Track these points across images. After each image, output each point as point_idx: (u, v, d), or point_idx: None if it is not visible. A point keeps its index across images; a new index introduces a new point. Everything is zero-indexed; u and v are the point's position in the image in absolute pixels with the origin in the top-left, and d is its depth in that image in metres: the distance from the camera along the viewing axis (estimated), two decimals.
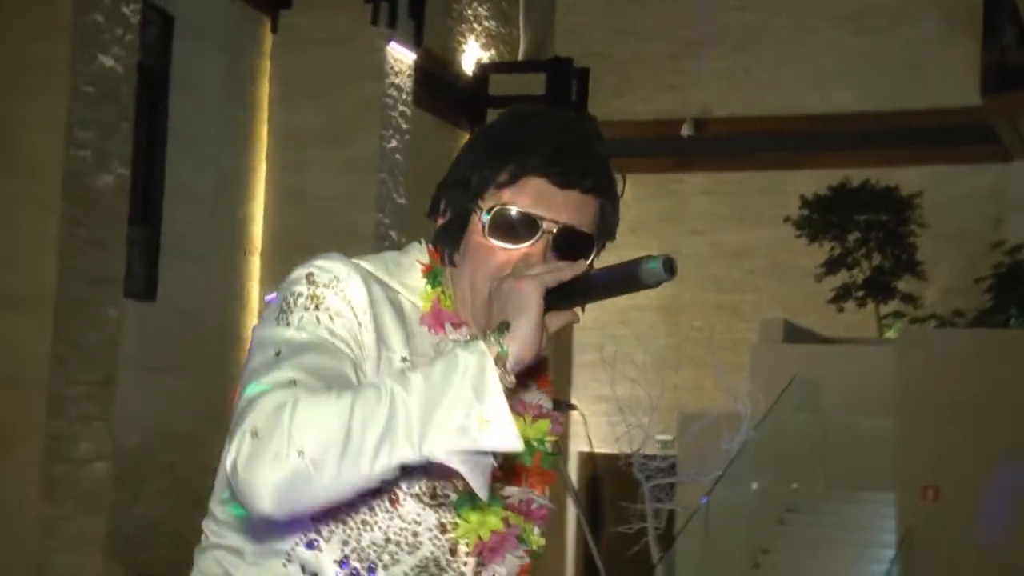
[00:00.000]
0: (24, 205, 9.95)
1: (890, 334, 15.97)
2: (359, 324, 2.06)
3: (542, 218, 2.10)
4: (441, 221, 2.20)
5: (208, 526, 2.21)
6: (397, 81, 14.56)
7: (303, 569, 2.08)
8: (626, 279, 1.97)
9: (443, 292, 2.20)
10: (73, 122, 10.13)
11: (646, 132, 18.61)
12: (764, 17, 18.80)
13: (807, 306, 16.18)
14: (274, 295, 2.16)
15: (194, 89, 13.11)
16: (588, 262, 2.10)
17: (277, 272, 13.46)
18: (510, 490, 2.21)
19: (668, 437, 15.56)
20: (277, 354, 1.98)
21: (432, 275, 2.20)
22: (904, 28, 18.15)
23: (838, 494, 13.11)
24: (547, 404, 2.31)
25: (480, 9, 17.73)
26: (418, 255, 2.23)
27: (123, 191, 10.64)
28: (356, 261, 2.16)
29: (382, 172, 14.21)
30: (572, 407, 2.72)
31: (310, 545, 2.08)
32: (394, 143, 14.40)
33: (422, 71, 15.10)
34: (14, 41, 10.01)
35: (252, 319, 13.70)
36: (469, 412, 1.84)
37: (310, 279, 2.09)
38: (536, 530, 2.27)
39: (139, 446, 11.44)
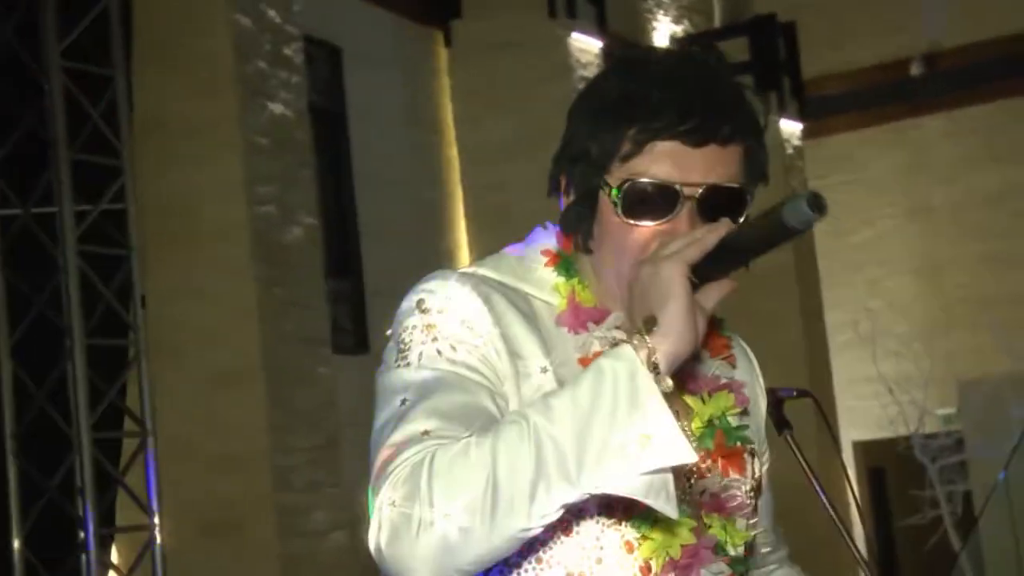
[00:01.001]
0: (216, 274, 10.09)
1: None
2: (487, 343, 2.00)
3: (682, 184, 1.99)
4: (565, 201, 2.15)
5: None
6: (586, 74, 14.38)
7: None
8: (772, 229, 1.87)
9: (580, 283, 2.12)
10: (251, 179, 10.32)
11: (873, 80, 18.32)
12: None
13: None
14: (388, 332, 2.13)
15: (374, 122, 13.20)
16: (733, 221, 1.99)
17: None
18: (700, 484, 2.12)
19: (950, 410, 15.24)
20: (403, 402, 1.93)
21: (563, 265, 2.14)
22: None
23: None
24: (725, 372, 2.23)
25: None
26: (544, 243, 2.18)
27: (315, 243, 10.83)
28: (472, 270, 2.12)
29: None
30: (806, 393, 2.60)
31: None
32: None
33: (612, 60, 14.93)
34: (180, 104, 10.20)
35: None
36: (627, 432, 1.75)
37: (421, 307, 2.04)
38: (739, 523, 2.17)
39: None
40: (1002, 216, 17.83)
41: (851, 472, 14.93)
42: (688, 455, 1.78)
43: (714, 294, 1.94)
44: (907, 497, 13.80)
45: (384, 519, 1.82)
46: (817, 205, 1.79)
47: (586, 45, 14.57)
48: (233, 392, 10.08)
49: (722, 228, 1.91)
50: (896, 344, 13.97)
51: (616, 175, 2.03)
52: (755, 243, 1.93)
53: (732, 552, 2.13)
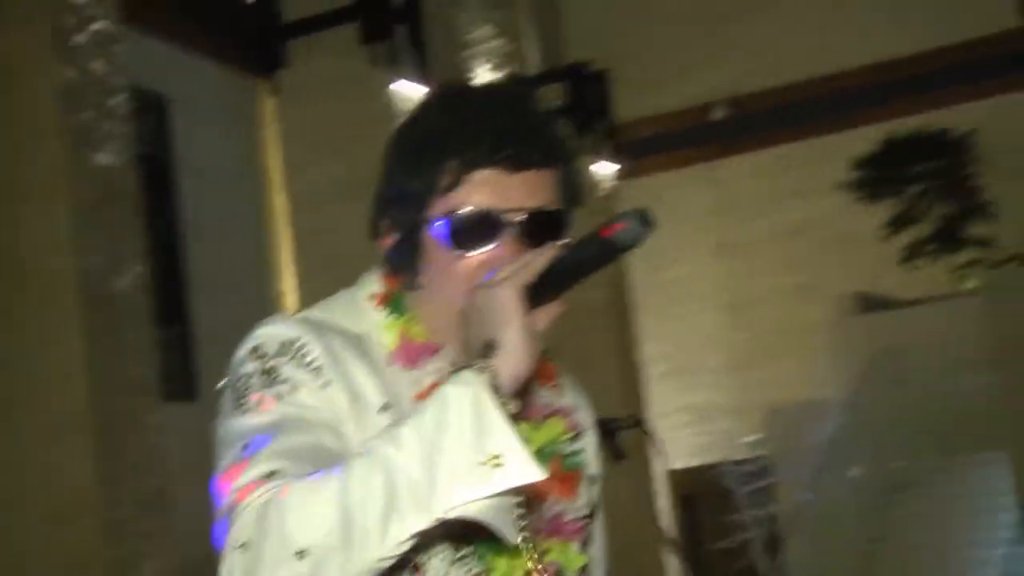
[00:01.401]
0: (43, 326, 9.68)
1: (969, 284, 15.74)
2: (324, 386, 1.94)
3: (504, 211, 1.98)
4: (388, 242, 2.14)
5: None
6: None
7: None
8: (603, 248, 1.86)
9: (409, 321, 2.09)
10: (78, 230, 9.93)
11: (681, 123, 18.64)
12: None
13: (879, 272, 15.90)
14: (224, 381, 2.08)
15: (201, 171, 13.01)
16: (559, 243, 1.98)
17: None
18: (537, 511, 2.09)
19: (755, 437, 15.48)
20: (246, 446, 1.85)
21: (391, 305, 2.12)
22: None
23: (946, 463, 12.90)
24: (555, 399, 2.20)
25: (482, 29, 17.64)
26: (373, 286, 2.17)
27: (143, 291, 10.42)
28: (304, 315, 2.12)
29: None
30: (638, 423, 2.65)
31: None
32: None
33: None
34: (3, 158, 9.80)
35: None
36: (475, 454, 1.71)
37: (257, 353, 2.01)
38: (575, 547, 2.15)
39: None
40: (804, 249, 17.96)
41: (666, 500, 15.05)
42: (537, 474, 1.73)
43: (546, 316, 1.91)
44: (719, 522, 13.93)
45: (236, 563, 1.75)
46: (645, 220, 1.82)
47: (409, 92, 14.30)
48: (62, 444, 9.58)
49: (550, 251, 1.91)
50: (707, 375, 14.14)
51: (439, 208, 2.03)
52: (584, 264, 1.91)
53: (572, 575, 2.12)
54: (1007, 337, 11.45)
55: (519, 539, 1.82)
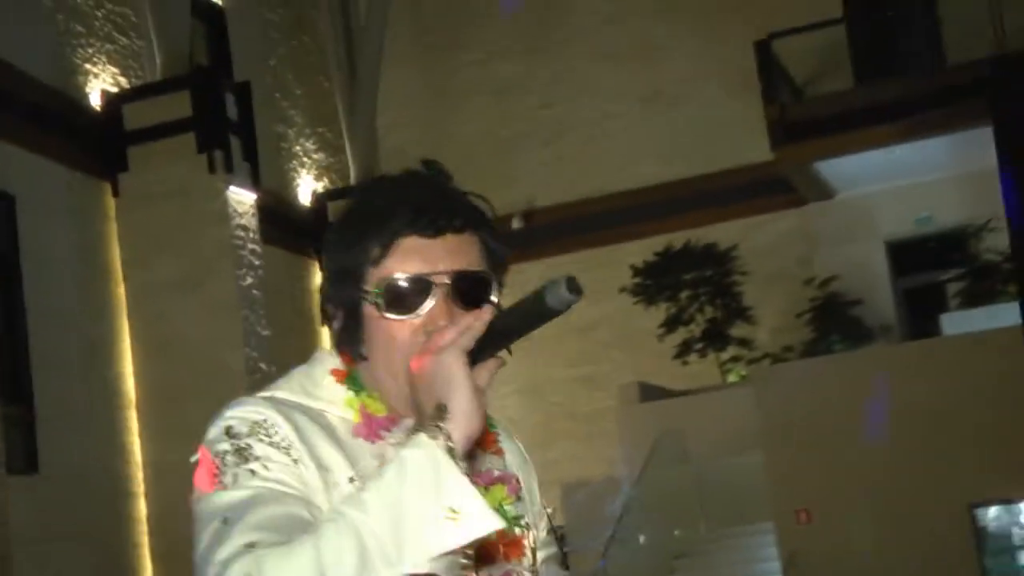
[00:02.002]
0: None
1: (732, 378, 15.96)
2: (294, 462, 1.85)
3: (430, 274, 1.91)
4: (337, 324, 2.01)
5: None
6: (243, 222, 14.27)
7: None
8: (537, 311, 1.79)
9: (367, 395, 1.99)
10: None
11: None
12: (569, 109, 18.87)
13: (656, 366, 16.06)
14: (196, 457, 1.92)
15: (46, 263, 12.76)
16: (494, 304, 1.94)
17: (156, 423, 13.30)
18: (485, 572, 1.97)
19: (551, 510, 15.38)
20: (224, 521, 1.76)
21: (349, 380, 2.00)
22: (693, 100, 18.29)
23: (720, 532, 12.97)
24: (497, 465, 2.10)
25: (308, 144, 17.81)
26: (329, 363, 2.03)
27: None
28: (268, 394, 1.97)
29: (243, 309, 13.82)
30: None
31: None
32: (249, 280, 14.07)
33: (264, 210, 14.86)
34: None
35: (137, 472, 13.29)
36: (437, 510, 1.65)
37: (230, 433, 1.87)
38: None
39: None
40: (592, 344, 17.99)
41: None
42: (496, 522, 1.70)
43: (486, 373, 1.85)
44: None
45: None
46: (574, 288, 1.76)
47: (242, 198, 14.33)
48: None
49: (486, 314, 1.85)
50: None
51: (372, 281, 1.93)
52: (520, 324, 1.85)
53: None
54: (769, 421, 11.63)
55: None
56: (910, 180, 16.45)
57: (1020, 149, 12.44)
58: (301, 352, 13.82)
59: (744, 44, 16.65)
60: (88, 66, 13.78)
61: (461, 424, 1.75)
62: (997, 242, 14.38)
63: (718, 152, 17.74)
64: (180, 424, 12.77)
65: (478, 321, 1.82)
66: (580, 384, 17.98)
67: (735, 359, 15.95)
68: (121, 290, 13.66)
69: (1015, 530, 10.88)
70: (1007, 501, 10.59)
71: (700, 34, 18.01)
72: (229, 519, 1.77)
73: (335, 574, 1.63)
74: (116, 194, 13.79)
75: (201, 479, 1.88)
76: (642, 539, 12.72)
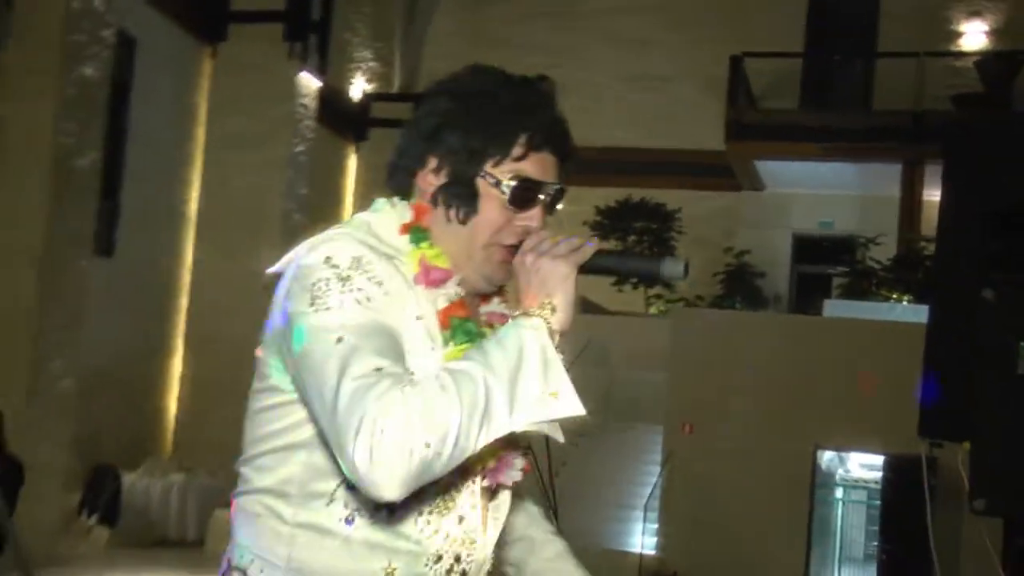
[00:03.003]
0: (21, 180, 9.64)
1: (652, 311, 16.08)
2: (386, 294, 1.73)
3: (548, 185, 1.83)
4: (435, 180, 1.85)
5: (247, 471, 1.84)
6: (304, 102, 14.32)
7: (345, 506, 1.75)
8: (646, 268, 1.78)
9: (429, 246, 1.85)
10: (60, 116, 9.85)
11: None
12: (571, 72, 18.65)
13: (597, 288, 15.88)
14: (276, 268, 1.82)
15: (150, 98, 12.75)
16: (553, 212, 1.86)
17: (207, 236, 13.44)
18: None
19: None
20: (339, 340, 1.64)
21: (414, 233, 1.86)
22: (671, 89, 18.27)
23: (620, 426, 12.98)
24: (509, 312, 1.95)
25: (366, 53, 17.59)
26: (397, 215, 1.88)
27: (96, 172, 10.41)
28: (357, 235, 1.80)
29: (290, 169, 13.93)
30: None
31: (350, 486, 1.70)
32: (300, 148, 14.18)
33: (322, 97, 14.86)
34: (15, 55, 9.62)
35: (185, 274, 13.44)
36: (543, 388, 1.62)
37: (330, 263, 1.72)
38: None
39: (99, 368, 11.20)
40: None
41: None
42: (581, 410, 1.66)
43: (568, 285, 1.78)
44: None
45: (374, 444, 1.53)
46: (687, 271, 1.71)
47: (309, 82, 14.40)
48: (16, 269, 9.56)
49: (595, 247, 1.76)
50: None
51: (502, 170, 1.81)
52: (621, 268, 1.83)
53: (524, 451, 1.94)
54: (676, 349, 11.72)
55: (562, 439, 1.76)
56: (823, 191, 16.79)
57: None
58: (327, 211, 13.91)
59: (720, 53, 16.73)
60: None
61: (562, 320, 1.70)
62: (878, 253, 14.67)
63: (681, 133, 17.83)
64: (223, 240, 13.14)
65: (591, 248, 1.76)
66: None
67: (658, 296, 16.05)
68: (201, 132, 13.71)
69: (839, 472, 11.19)
70: (840, 449, 10.84)
71: (687, 36, 18.02)
72: (345, 340, 1.65)
73: (468, 420, 1.59)
74: (213, 56, 13.77)
75: (298, 298, 1.73)
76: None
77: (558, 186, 1.84)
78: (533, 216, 1.83)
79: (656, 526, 11.29)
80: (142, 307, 12.73)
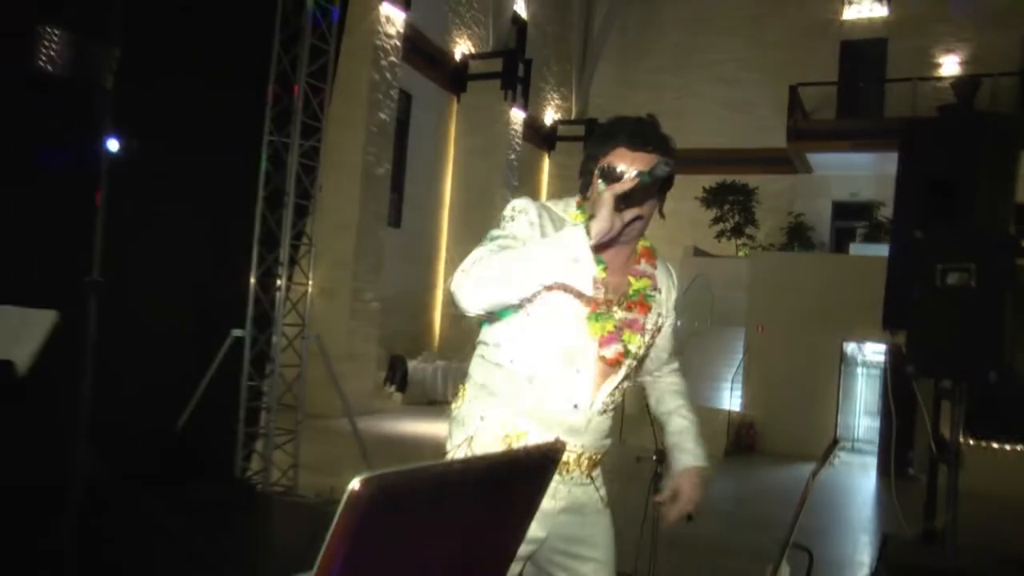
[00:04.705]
0: (345, 180, 9.85)
1: (741, 254, 15.50)
2: (530, 227, 1.76)
3: (623, 168, 1.77)
4: (581, 180, 1.87)
5: (478, 345, 1.90)
6: (515, 127, 14.21)
7: (513, 363, 1.80)
8: (647, 177, 1.66)
9: (583, 214, 1.84)
10: (367, 143, 10.10)
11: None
12: (688, 102, 18.14)
13: (704, 239, 15.76)
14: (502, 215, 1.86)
15: (419, 132, 12.86)
16: (637, 179, 1.67)
17: (455, 216, 13.46)
18: (620, 313, 1.85)
19: (679, 323, 15.32)
20: (490, 238, 1.72)
21: (580, 207, 1.86)
22: (752, 109, 17.42)
23: (718, 326, 12.55)
24: (648, 270, 1.91)
25: (553, 93, 17.46)
26: (575, 198, 1.90)
27: (387, 177, 10.60)
28: (541, 201, 1.85)
29: (507, 171, 13.87)
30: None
31: (512, 360, 1.78)
32: (512, 156, 14.08)
33: (526, 123, 14.86)
34: (337, 106, 9.82)
35: (443, 238, 13.49)
36: (567, 255, 1.57)
37: (515, 208, 1.79)
38: (638, 339, 1.88)
39: (393, 296, 11.52)
40: (672, 224, 17.29)
41: None
42: (595, 268, 1.59)
43: (628, 213, 1.68)
44: None
45: (460, 277, 1.64)
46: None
47: (517, 116, 14.30)
48: (343, 234, 9.76)
49: (630, 183, 1.64)
50: None
51: (601, 162, 1.80)
52: (641, 190, 1.68)
53: (632, 349, 1.86)
54: (755, 279, 11.29)
55: (604, 316, 1.74)
56: (852, 172, 15.87)
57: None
58: (532, 197, 13.77)
59: (783, 84, 16.11)
60: (456, 34, 13.80)
61: (597, 224, 1.61)
62: (887, 211, 13.86)
63: (758, 137, 17.06)
64: (465, 216, 13.21)
65: (625, 185, 1.67)
66: (664, 241, 17.23)
67: (745, 244, 15.56)
68: (451, 148, 13.83)
69: (859, 356, 10.80)
70: (859, 341, 10.39)
71: (761, 75, 17.22)
72: (490, 238, 1.73)
73: (512, 270, 1.60)
74: (458, 102, 13.88)
75: (496, 225, 1.81)
76: (679, 323, 12.40)
77: (635, 170, 1.76)
78: (617, 187, 1.72)
79: (739, 392, 11.07)
80: (418, 258, 12.91)
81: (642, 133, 1.81)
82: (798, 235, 15.81)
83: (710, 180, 16.07)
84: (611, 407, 1.89)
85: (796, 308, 10.45)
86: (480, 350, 1.90)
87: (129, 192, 3.61)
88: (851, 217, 15.95)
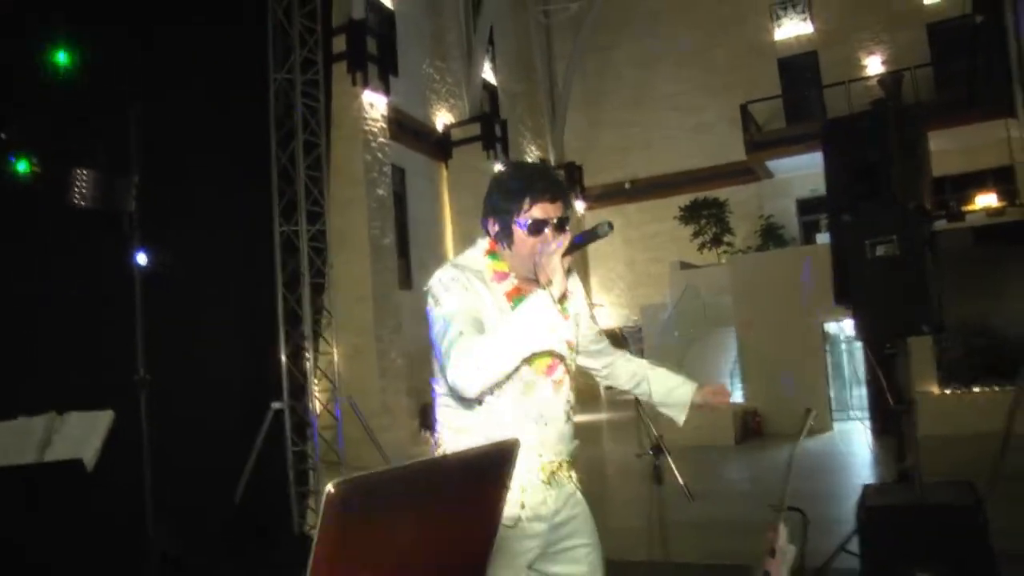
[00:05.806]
0: (355, 255, 9.86)
1: (722, 260, 15.20)
2: (468, 292, 1.81)
3: (550, 219, 1.82)
4: (494, 229, 1.90)
5: (436, 390, 1.92)
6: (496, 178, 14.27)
7: (482, 404, 1.83)
8: (591, 237, 1.72)
9: (499, 261, 1.89)
10: (370, 218, 10.11)
11: (611, 188, 18.27)
12: (652, 130, 18.14)
13: (688, 252, 15.54)
14: (429, 287, 1.88)
15: (415, 198, 12.92)
16: (570, 237, 1.79)
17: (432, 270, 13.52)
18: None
19: (635, 318, 15.24)
20: (446, 320, 1.74)
21: (491, 255, 1.91)
22: (712, 129, 17.45)
23: (712, 329, 12.44)
24: (574, 290, 1.95)
25: (531, 145, 17.47)
26: (482, 246, 1.93)
27: (393, 246, 10.61)
28: (455, 262, 1.90)
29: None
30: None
31: (480, 402, 1.83)
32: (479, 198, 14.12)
33: (506, 166, 14.83)
34: (335, 186, 9.68)
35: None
36: (546, 326, 1.66)
37: (442, 281, 1.83)
38: (568, 346, 1.94)
39: (415, 350, 11.44)
40: (659, 242, 17.74)
41: None
42: (570, 335, 1.76)
43: (567, 260, 1.76)
44: None
45: (458, 368, 1.69)
46: (610, 226, 1.69)
47: (498, 167, 14.28)
48: (358, 304, 9.67)
49: (569, 237, 1.75)
50: (619, 293, 13.46)
51: (521, 217, 1.84)
52: (581, 243, 1.76)
53: (567, 355, 1.93)
54: (736, 280, 11.16)
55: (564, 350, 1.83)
56: (809, 171, 15.60)
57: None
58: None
59: (736, 104, 16.26)
60: (435, 108, 13.89)
61: (557, 289, 1.68)
62: None
63: (721, 154, 17.10)
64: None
65: (566, 242, 1.74)
66: (652, 261, 17.43)
67: (725, 251, 15.40)
68: (446, 209, 13.86)
69: (840, 335, 10.70)
70: (837, 321, 10.24)
71: (717, 99, 17.30)
72: (448, 319, 1.72)
73: (498, 352, 1.66)
74: (446, 168, 13.93)
75: (430, 301, 1.81)
76: (677, 333, 12.25)
77: (555, 218, 1.83)
78: (544, 238, 1.82)
79: (740, 385, 10.99)
80: (422, 318, 12.92)
81: (554, 185, 1.85)
82: (771, 235, 15.82)
83: (684, 200, 16.12)
84: (571, 411, 1.95)
85: (778, 301, 10.39)
86: (443, 400, 1.91)
87: (162, 296, 3.78)
88: (815, 211, 15.90)
